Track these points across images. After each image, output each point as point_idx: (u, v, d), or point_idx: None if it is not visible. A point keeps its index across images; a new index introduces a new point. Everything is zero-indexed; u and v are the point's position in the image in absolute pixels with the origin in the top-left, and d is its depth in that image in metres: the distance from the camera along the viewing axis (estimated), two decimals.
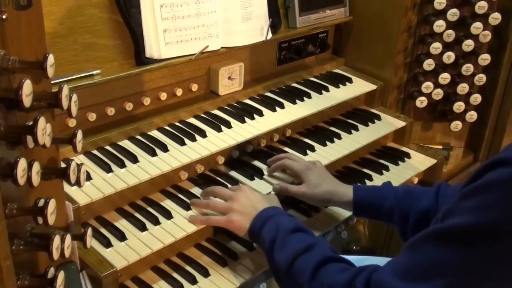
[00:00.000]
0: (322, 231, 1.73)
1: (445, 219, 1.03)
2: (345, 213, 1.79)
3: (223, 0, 1.88)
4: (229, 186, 1.71)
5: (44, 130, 0.94)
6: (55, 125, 1.02)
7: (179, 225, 1.55)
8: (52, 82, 1.06)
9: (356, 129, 2.12)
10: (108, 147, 1.70)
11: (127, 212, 1.59)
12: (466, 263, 0.99)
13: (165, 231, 1.53)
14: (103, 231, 1.51)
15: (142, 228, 1.52)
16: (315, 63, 2.35)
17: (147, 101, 1.81)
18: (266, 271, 1.55)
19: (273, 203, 1.55)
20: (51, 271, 1.08)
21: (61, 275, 1.03)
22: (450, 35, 2.18)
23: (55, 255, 0.99)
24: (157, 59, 1.74)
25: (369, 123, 2.17)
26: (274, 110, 1.99)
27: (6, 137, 0.92)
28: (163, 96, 1.86)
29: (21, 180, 0.89)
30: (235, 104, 2.02)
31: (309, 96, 2.12)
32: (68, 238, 1.02)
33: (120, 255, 1.43)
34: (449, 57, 2.21)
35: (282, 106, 2.02)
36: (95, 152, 1.67)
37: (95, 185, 1.53)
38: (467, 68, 2.24)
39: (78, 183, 1.09)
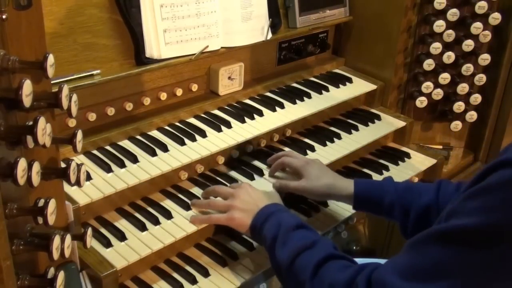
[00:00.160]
0: (322, 231, 1.73)
1: (448, 219, 1.03)
2: (345, 213, 1.79)
3: (223, 0, 1.88)
4: (229, 185, 1.70)
5: (44, 130, 0.94)
6: (55, 125, 1.02)
7: (179, 225, 1.55)
8: (52, 82, 1.06)
9: (356, 129, 2.12)
10: (108, 147, 1.70)
11: (127, 212, 1.59)
12: (469, 264, 0.98)
13: (165, 231, 1.53)
14: (103, 231, 1.51)
15: (142, 228, 1.52)
16: (315, 63, 2.35)
17: (147, 101, 1.81)
18: (266, 271, 1.55)
19: (274, 200, 1.55)
20: (51, 271, 1.08)
21: (61, 275, 1.03)
22: (450, 35, 2.18)
23: (55, 255, 0.99)
24: (157, 59, 1.74)
25: (369, 123, 2.17)
26: (274, 110, 1.99)
27: (6, 137, 0.92)
28: (163, 96, 1.86)
29: (21, 180, 0.89)
30: (235, 104, 2.02)
31: (309, 96, 2.12)
32: (68, 238, 1.02)
33: (120, 255, 1.43)
34: (449, 57, 2.21)
35: (282, 106, 2.02)
36: (95, 152, 1.67)
37: (95, 185, 1.53)
38: (467, 68, 2.24)
39: (78, 183, 1.09)
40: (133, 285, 1.48)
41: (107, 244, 1.45)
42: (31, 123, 0.92)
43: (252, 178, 1.77)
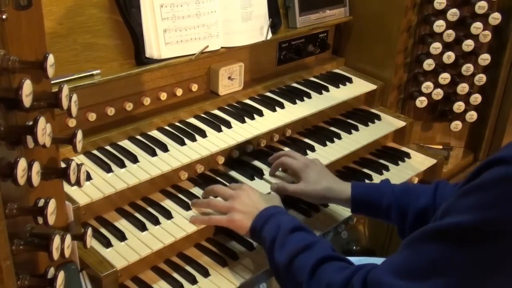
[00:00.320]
0: (322, 231, 1.73)
1: (443, 217, 1.03)
2: (345, 213, 1.80)
3: (223, 0, 1.88)
4: (229, 184, 1.70)
5: (44, 130, 0.94)
6: (55, 125, 1.02)
7: (179, 225, 1.55)
8: (52, 82, 1.06)
9: (356, 129, 2.12)
10: (108, 147, 1.70)
11: (127, 212, 1.59)
12: (464, 261, 0.99)
13: (165, 231, 1.52)
14: (103, 231, 1.51)
15: (142, 228, 1.52)
16: (315, 63, 2.35)
17: (147, 101, 1.81)
18: (266, 271, 1.55)
19: (274, 202, 1.55)
20: (51, 271, 1.08)
21: (61, 275, 1.03)
22: (450, 35, 2.18)
23: (55, 255, 0.99)
24: (157, 59, 1.74)
25: (369, 123, 2.17)
26: (274, 110, 1.99)
27: (6, 137, 0.92)
28: (163, 96, 1.86)
29: (21, 180, 0.89)
30: (235, 104, 2.02)
31: (309, 96, 2.12)
32: (68, 238, 1.02)
33: (120, 255, 1.43)
34: (449, 57, 2.21)
35: (282, 106, 2.02)
36: (95, 152, 1.67)
37: (95, 185, 1.53)
38: (467, 68, 2.24)
39: (78, 183, 1.09)
40: (133, 285, 1.48)
41: (107, 244, 1.45)
42: (31, 123, 0.92)
43: (252, 178, 1.77)
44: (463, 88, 2.28)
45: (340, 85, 2.24)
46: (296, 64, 2.28)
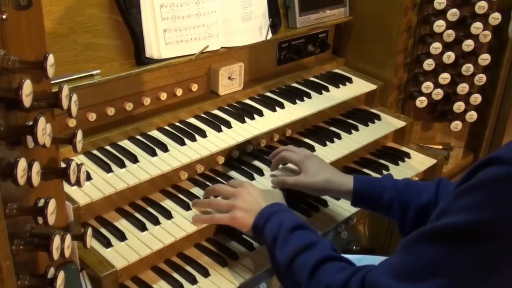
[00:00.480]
0: (322, 231, 1.73)
1: (439, 218, 1.03)
2: (345, 213, 1.79)
3: (223, 0, 1.88)
4: (229, 181, 1.69)
5: (44, 130, 0.94)
6: (55, 125, 1.02)
7: (179, 225, 1.55)
8: (52, 82, 1.06)
9: (356, 129, 2.12)
10: (108, 147, 1.70)
11: (127, 212, 1.59)
12: (461, 262, 0.99)
13: (165, 231, 1.53)
14: (103, 231, 1.51)
15: (142, 228, 1.52)
16: (315, 63, 2.35)
17: (147, 101, 1.81)
18: (266, 271, 1.55)
19: (276, 199, 1.55)
20: (51, 271, 1.08)
21: (61, 275, 1.03)
22: (450, 35, 2.18)
23: (55, 255, 0.99)
24: (157, 59, 1.74)
25: (369, 123, 2.17)
26: (274, 110, 1.99)
27: (6, 137, 0.92)
28: (163, 96, 1.86)
29: (21, 180, 0.89)
30: (235, 104, 2.02)
31: (309, 96, 2.12)
32: (68, 238, 1.02)
33: (120, 255, 1.43)
34: (449, 57, 2.21)
35: (282, 106, 2.02)
36: (95, 152, 1.67)
37: (95, 185, 1.53)
38: (467, 68, 2.24)
39: (78, 183, 1.09)
40: (133, 285, 1.48)
41: (107, 244, 1.45)
42: (31, 123, 0.92)
43: (252, 178, 1.77)
44: (463, 88, 2.28)
45: (340, 85, 2.24)
46: (296, 64, 2.28)
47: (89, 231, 1.16)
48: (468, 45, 2.20)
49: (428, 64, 2.22)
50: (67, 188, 1.34)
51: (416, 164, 2.12)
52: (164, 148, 1.70)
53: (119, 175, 1.58)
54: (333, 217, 1.80)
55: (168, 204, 1.64)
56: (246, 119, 1.91)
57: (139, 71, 1.73)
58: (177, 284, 1.47)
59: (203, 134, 1.79)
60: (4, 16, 0.87)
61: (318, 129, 2.12)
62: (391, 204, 1.54)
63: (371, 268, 1.16)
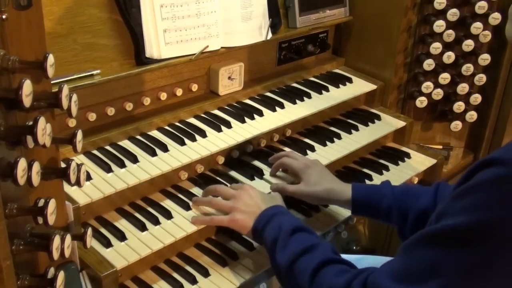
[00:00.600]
0: (322, 231, 1.73)
1: (438, 220, 1.04)
2: (345, 213, 1.79)
3: (223, 0, 1.88)
4: (230, 185, 1.70)
5: (44, 130, 0.94)
6: (55, 125, 1.02)
7: (179, 225, 1.55)
8: (52, 82, 1.06)
9: (356, 129, 2.12)
10: (108, 147, 1.70)
11: (127, 212, 1.59)
12: (460, 263, 0.99)
13: (165, 231, 1.52)
14: (103, 231, 1.51)
15: (142, 228, 1.52)
16: (315, 63, 2.35)
17: (147, 101, 1.81)
18: (266, 271, 1.55)
19: (276, 202, 1.55)
20: (51, 271, 1.08)
21: (61, 275, 1.03)
22: (450, 35, 2.18)
23: (55, 255, 0.98)
24: (157, 59, 1.74)
25: (369, 123, 2.17)
26: (274, 110, 1.99)
27: (6, 137, 0.92)
28: (163, 96, 1.86)
29: (21, 180, 0.89)
30: (235, 104, 2.02)
31: (309, 96, 2.12)
32: (68, 238, 1.02)
33: (120, 255, 1.43)
34: (449, 57, 2.21)
35: (282, 106, 2.02)
36: (95, 152, 1.67)
37: (95, 185, 1.53)
38: (467, 68, 2.24)
39: (78, 183, 1.09)
40: (133, 285, 1.48)
41: (107, 244, 1.45)
42: (31, 123, 0.92)
43: (252, 178, 1.77)
44: (463, 88, 2.28)
45: (340, 85, 2.24)
46: (296, 64, 2.28)
47: (89, 231, 1.16)
48: (468, 45, 2.20)
49: (428, 64, 2.22)
50: (67, 188, 1.34)
51: (416, 164, 2.12)
52: (164, 148, 1.70)
53: (119, 175, 1.58)
54: (333, 217, 1.80)
55: (168, 204, 1.64)
56: (246, 119, 1.91)
57: (139, 71, 1.73)
58: (177, 284, 1.47)
59: (203, 134, 1.79)
60: (4, 16, 0.87)
61: (318, 129, 2.12)
62: (390, 211, 1.55)
63: (373, 271, 1.16)
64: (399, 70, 2.27)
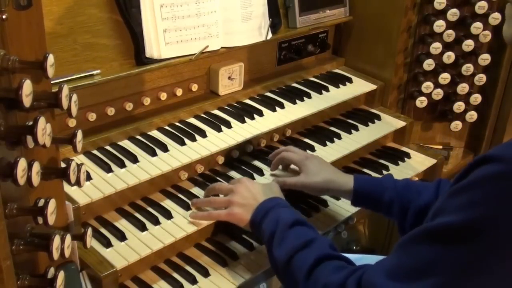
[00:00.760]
0: (322, 231, 1.73)
1: (434, 218, 1.04)
2: (345, 213, 1.79)
3: (223, 0, 1.88)
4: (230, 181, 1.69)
5: (44, 130, 0.94)
6: (55, 125, 1.02)
7: (179, 225, 1.55)
8: (52, 82, 1.06)
9: (356, 129, 2.12)
10: (108, 147, 1.70)
11: (127, 212, 1.59)
12: (454, 261, 0.99)
13: (165, 231, 1.53)
14: (103, 231, 1.51)
15: (142, 228, 1.52)
16: (315, 63, 2.35)
17: (147, 101, 1.81)
18: (266, 271, 1.55)
19: (274, 193, 1.54)
20: (51, 271, 1.08)
21: (61, 275, 1.03)
22: (450, 35, 2.18)
23: (55, 255, 0.99)
24: (157, 59, 1.74)
25: (369, 123, 2.17)
26: (274, 110, 1.99)
27: (6, 137, 0.92)
28: (163, 96, 1.86)
29: (21, 180, 0.89)
30: (235, 104, 2.02)
31: (309, 96, 2.12)
32: (68, 238, 1.02)
33: (120, 255, 1.43)
34: (449, 57, 2.21)
35: (282, 106, 2.02)
36: (95, 152, 1.67)
37: (95, 185, 1.53)
38: (467, 68, 2.24)
39: (78, 183, 1.09)
40: (133, 285, 1.48)
41: (107, 244, 1.45)
42: (31, 123, 0.92)
43: (252, 178, 1.77)
44: (463, 88, 2.28)
45: (340, 85, 2.24)
46: (296, 64, 2.29)
47: (89, 231, 1.16)
48: (468, 45, 2.20)
49: (428, 64, 2.22)
50: (67, 188, 1.34)
51: (416, 164, 2.12)
52: (164, 148, 1.70)
53: (119, 175, 1.58)
54: (333, 217, 1.80)
55: (168, 204, 1.64)
56: (246, 119, 1.91)
57: (139, 71, 1.73)
58: (177, 284, 1.47)
59: (203, 134, 1.79)
60: (4, 16, 0.87)
61: (318, 129, 2.12)
62: (391, 204, 1.54)
63: (368, 268, 1.16)
64: (399, 70, 2.27)
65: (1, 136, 0.90)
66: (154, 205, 1.62)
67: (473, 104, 2.34)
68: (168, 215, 1.58)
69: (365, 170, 2.03)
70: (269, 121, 1.93)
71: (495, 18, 2.16)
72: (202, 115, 1.92)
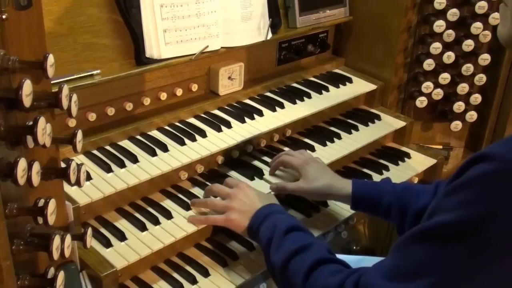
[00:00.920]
0: (322, 231, 1.73)
1: (430, 218, 1.04)
2: (345, 213, 1.80)
3: (223, 0, 1.88)
4: (226, 179, 1.68)
5: (44, 130, 0.94)
6: (55, 125, 1.02)
7: (179, 225, 1.55)
8: (52, 82, 1.05)
9: (356, 129, 2.12)
10: (108, 147, 1.70)
11: (127, 212, 1.59)
12: (450, 260, 0.99)
13: (165, 231, 1.53)
14: (103, 231, 1.51)
15: (142, 228, 1.52)
16: (315, 63, 2.35)
17: (147, 101, 1.81)
18: (266, 271, 1.55)
19: (271, 200, 1.55)
20: (51, 271, 1.08)
21: (61, 275, 1.03)
22: (450, 35, 2.18)
23: (55, 255, 0.99)
24: (157, 59, 1.74)
25: (369, 123, 2.17)
26: (274, 110, 1.99)
27: (6, 137, 0.92)
28: (163, 96, 1.86)
29: (21, 180, 0.89)
30: (235, 104, 2.02)
31: (309, 96, 2.12)
32: (68, 238, 1.02)
33: (120, 255, 1.43)
34: (449, 57, 2.21)
35: (282, 106, 2.02)
36: (95, 152, 1.67)
37: (95, 185, 1.53)
38: (467, 68, 2.24)
39: (78, 183, 1.09)
40: (133, 285, 1.48)
41: (107, 244, 1.45)
42: (31, 123, 0.92)
43: (252, 178, 1.77)
44: (463, 88, 2.29)
45: (340, 85, 2.24)
46: (296, 64, 2.29)
47: (89, 231, 1.16)
48: (468, 45, 2.20)
49: (428, 64, 2.22)
50: (67, 188, 1.34)
51: (416, 164, 2.12)
52: (164, 148, 1.70)
53: (119, 175, 1.58)
54: (333, 217, 1.80)
55: (168, 204, 1.64)
56: (246, 119, 1.91)
57: (139, 71, 1.73)
58: (177, 284, 1.47)
59: (203, 134, 1.79)
60: (4, 16, 0.87)
61: (318, 129, 2.12)
62: (390, 208, 1.55)
63: (365, 270, 1.16)
64: (399, 70, 2.27)
65: (1, 136, 0.90)
66: (154, 205, 1.62)
67: (473, 104, 2.35)
68: (168, 215, 1.58)
69: (365, 170, 2.03)
70: (269, 121, 1.93)
71: (495, 18, 2.16)
72: (202, 115, 1.92)
